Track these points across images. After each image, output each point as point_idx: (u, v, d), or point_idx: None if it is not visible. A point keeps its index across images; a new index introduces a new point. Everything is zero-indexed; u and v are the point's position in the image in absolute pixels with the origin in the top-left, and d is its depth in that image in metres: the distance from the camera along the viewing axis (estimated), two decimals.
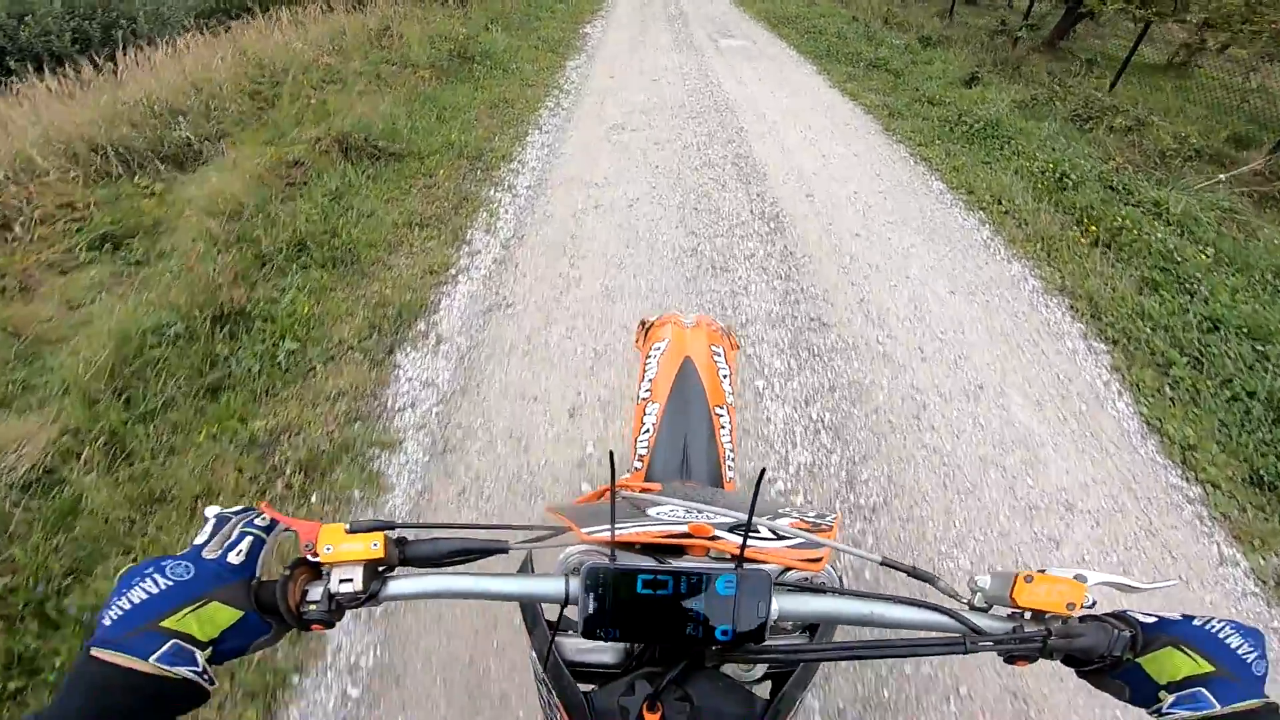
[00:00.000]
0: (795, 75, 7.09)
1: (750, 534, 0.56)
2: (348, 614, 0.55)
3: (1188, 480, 2.26)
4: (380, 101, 4.87)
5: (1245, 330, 2.93)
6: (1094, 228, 3.80)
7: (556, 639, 0.63)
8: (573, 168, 4.21)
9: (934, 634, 0.55)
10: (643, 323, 1.37)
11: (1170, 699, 0.47)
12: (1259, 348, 2.83)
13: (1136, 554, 1.97)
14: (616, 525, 0.56)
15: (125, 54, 6.09)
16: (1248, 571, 1.96)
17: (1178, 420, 2.48)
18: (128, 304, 2.61)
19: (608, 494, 0.57)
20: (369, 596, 0.53)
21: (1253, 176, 4.90)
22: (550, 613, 0.64)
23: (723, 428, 1.09)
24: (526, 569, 0.69)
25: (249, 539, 0.52)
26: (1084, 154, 4.95)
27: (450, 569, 0.58)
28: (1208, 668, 0.47)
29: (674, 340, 1.19)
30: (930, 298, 3.08)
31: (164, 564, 0.48)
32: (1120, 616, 0.52)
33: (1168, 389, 2.65)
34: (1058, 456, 2.29)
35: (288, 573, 0.52)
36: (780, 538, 0.60)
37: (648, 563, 0.57)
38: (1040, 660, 0.52)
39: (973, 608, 0.57)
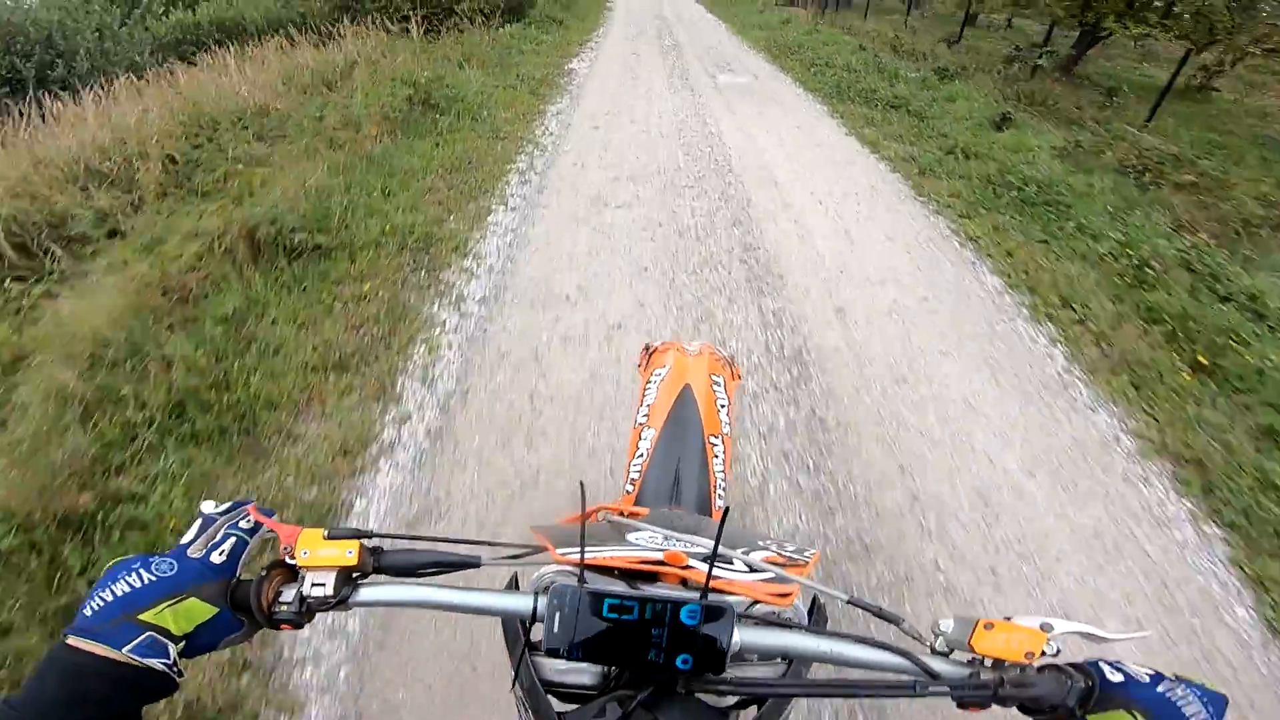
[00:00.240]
0: (805, 119, 6.30)
1: (724, 566, 0.60)
2: (319, 616, 0.57)
3: None
4: (317, 167, 4.07)
5: None
6: (1191, 344, 2.99)
7: (534, 658, 0.62)
8: (539, 266, 3.38)
9: (892, 675, 0.54)
10: (646, 347, 1.38)
11: None
12: None
13: None
14: (593, 548, 0.60)
15: (55, 99, 5.36)
16: None
17: None
18: None
19: (594, 515, 0.74)
20: (338, 601, 0.55)
21: None
22: (532, 630, 0.63)
23: (716, 456, 1.10)
24: (512, 586, 0.67)
25: (232, 540, 0.55)
26: (1155, 226, 4.14)
27: (423, 580, 0.59)
28: None
29: (675, 367, 1.22)
30: (1003, 485, 2.24)
31: (150, 560, 0.50)
32: (1080, 668, 0.50)
33: None
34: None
35: (264, 573, 0.55)
36: (753, 570, 0.61)
37: (617, 587, 0.58)
38: (996, 708, 0.51)
39: (933, 651, 0.56)
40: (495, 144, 5.15)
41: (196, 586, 0.51)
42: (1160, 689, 0.47)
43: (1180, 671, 0.49)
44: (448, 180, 4.34)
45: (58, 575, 1.76)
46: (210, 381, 2.39)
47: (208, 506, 0.58)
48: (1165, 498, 2.26)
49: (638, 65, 8.66)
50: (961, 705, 0.52)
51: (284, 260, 3.22)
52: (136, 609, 0.47)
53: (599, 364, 2.68)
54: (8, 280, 3.03)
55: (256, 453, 2.23)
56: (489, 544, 0.64)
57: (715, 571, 0.55)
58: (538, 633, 0.57)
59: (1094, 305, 3.25)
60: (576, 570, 0.56)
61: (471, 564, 0.62)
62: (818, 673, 0.65)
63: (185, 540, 0.54)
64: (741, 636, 0.54)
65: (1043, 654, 0.51)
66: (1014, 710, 0.51)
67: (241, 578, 0.55)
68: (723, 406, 1.18)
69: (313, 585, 0.54)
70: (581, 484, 0.59)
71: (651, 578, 0.64)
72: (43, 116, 4.98)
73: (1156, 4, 10.00)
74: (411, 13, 11.17)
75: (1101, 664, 0.50)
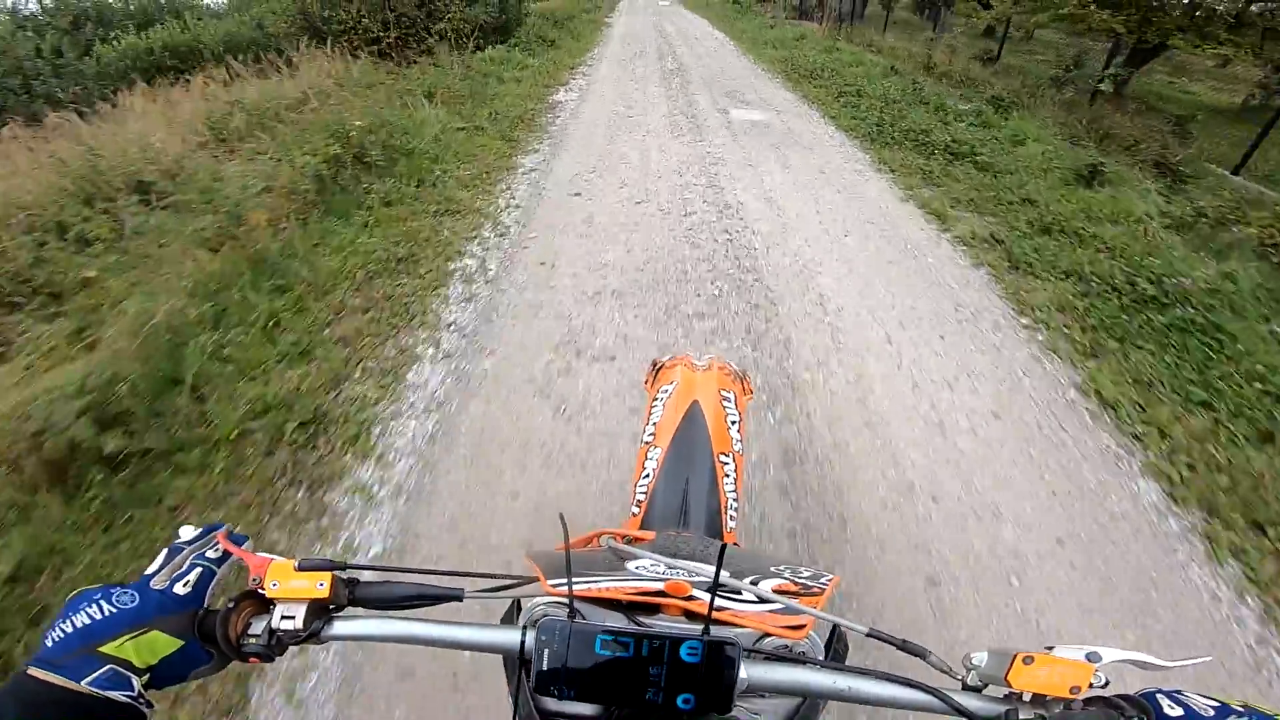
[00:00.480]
0: (846, 176, 5.00)
1: (730, 596, 0.56)
2: (292, 650, 0.55)
3: None
4: (177, 280, 2.83)
5: None
6: None
7: (517, 691, 0.58)
8: (469, 501, 2.06)
9: (917, 714, 0.50)
10: (654, 363, 1.33)
11: None
12: None
13: None
14: (589, 578, 0.57)
15: None
16: None
17: None
18: None
19: (595, 540, 0.70)
20: (309, 635, 0.53)
21: None
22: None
23: (726, 476, 1.05)
24: (512, 614, 0.66)
25: (199, 570, 0.53)
26: None
27: (402, 614, 0.56)
28: None
29: (683, 383, 1.17)
30: None
31: (111, 592, 0.49)
32: (1134, 701, 0.45)
33: None
34: None
35: (231, 604, 0.52)
36: (762, 601, 0.56)
37: (612, 621, 0.57)
38: None
39: (965, 687, 0.51)
40: (443, 225, 3.89)
41: (159, 619, 0.49)
42: None
43: (1247, 701, 0.41)
44: (366, 296, 3.08)
45: None
46: None
47: (186, 532, 0.56)
48: None
49: (635, 96, 7.41)
50: None
51: (98, 474, 1.99)
52: (96, 641, 0.46)
53: None
54: None
55: None
56: (475, 575, 0.61)
57: (721, 603, 0.54)
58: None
59: None
60: (568, 609, 0.52)
61: (453, 597, 0.58)
62: (837, 712, 0.67)
63: (149, 571, 0.52)
64: (749, 673, 0.50)
65: (1089, 686, 0.46)
66: None
67: (211, 608, 0.52)
68: (733, 423, 1.13)
69: (282, 618, 0.52)
70: (561, 516, 0.52)
71: (653, 609, 0.60)
72: None
73: (1223, 18, 8.78)
74: (383, 34, 10.02)
75: (1158, 695, 0.44)
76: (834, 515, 2.02)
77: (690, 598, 0.56)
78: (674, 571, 0.60)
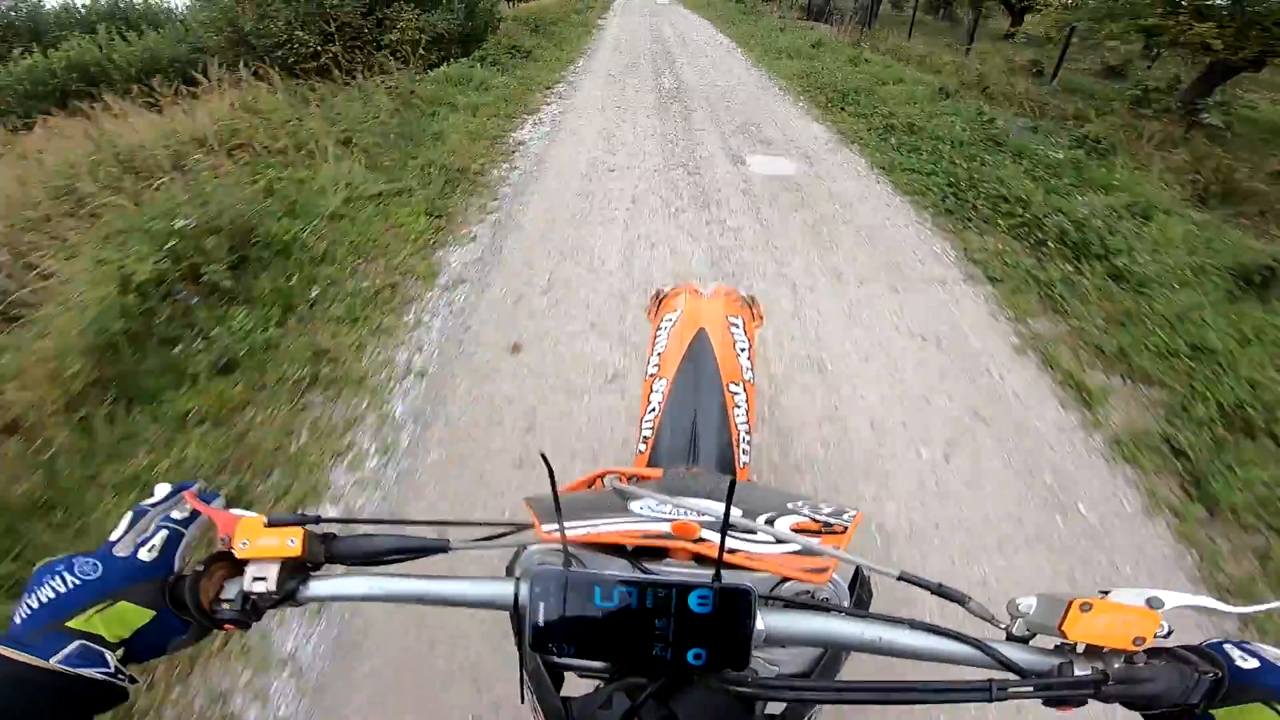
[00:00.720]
0: (928, 291, 3.37)
1: (744, 537, 0.52)
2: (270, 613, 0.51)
3: None
4: None
5: None
6: None
7: (521, 650, 0.53)
8: None
9: (958, 669, 0.45)
10: (657, 293, 1.26)
11: None
12: None
13: None
14: (587, 521, 0.53)
15: None
16: None
17: None
18: None
19: (598, 481, 0.66)
20: (284, 597, 0.49)
21: None
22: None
23: (737, 407, 0.99)
24: (513, 570, 0.55)
25: (164, 533, 0.49)
26: None
27: (384, 570, 0.52)
28: None
29: (687, 311, 1.10)
30: None
31: (74, 561, 0.46)
32: (1202, 653, 0.41)
33: None
34: None
35: (201, 568, 0.48)
36: (780, 542, 0.52)
37: (614, 569, 0.51)
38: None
39: (1010, 637, 0.47)
40: (301, 421, 2.31)
41: (125, 588, 0.45)
42: None
43: None
44: None
45: None
46: None
47: (160, 490, 0.52)
48: None
49: (623, 135, 5.78)
50: (1051, 704, 0.42)
51: None
52: (62, 616, 0.43)
53: None
54: None
55: None
56: (465, 524, 0.56)
57: (735, 545, 0.51)
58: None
59: None
60: (563, 555, 0.48)
61: (439, 548, 0.53)
62: (864, 666, 0.59)
63: (113, 537, 0.48)
64: (767, 623, 0.46)
65: (1153, 638, 0.41)
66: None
67: (183, 573, 0.48)
68: (742, 350, 1.07)
69: (254, 580, 0.48)
70: (544, 455, 0.46)
71: (660, 554, 0.55)
72: None
73: None
74: (322, 49, 8.38)
75: (1227, 646, 0.41)
76: None
77: (700, 540, 0.50)
78: (681, 511, 0.55)
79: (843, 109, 6.54)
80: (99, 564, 0.46)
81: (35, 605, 0.43)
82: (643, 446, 0.98)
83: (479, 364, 2.64)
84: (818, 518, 0.58)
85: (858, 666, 0.54)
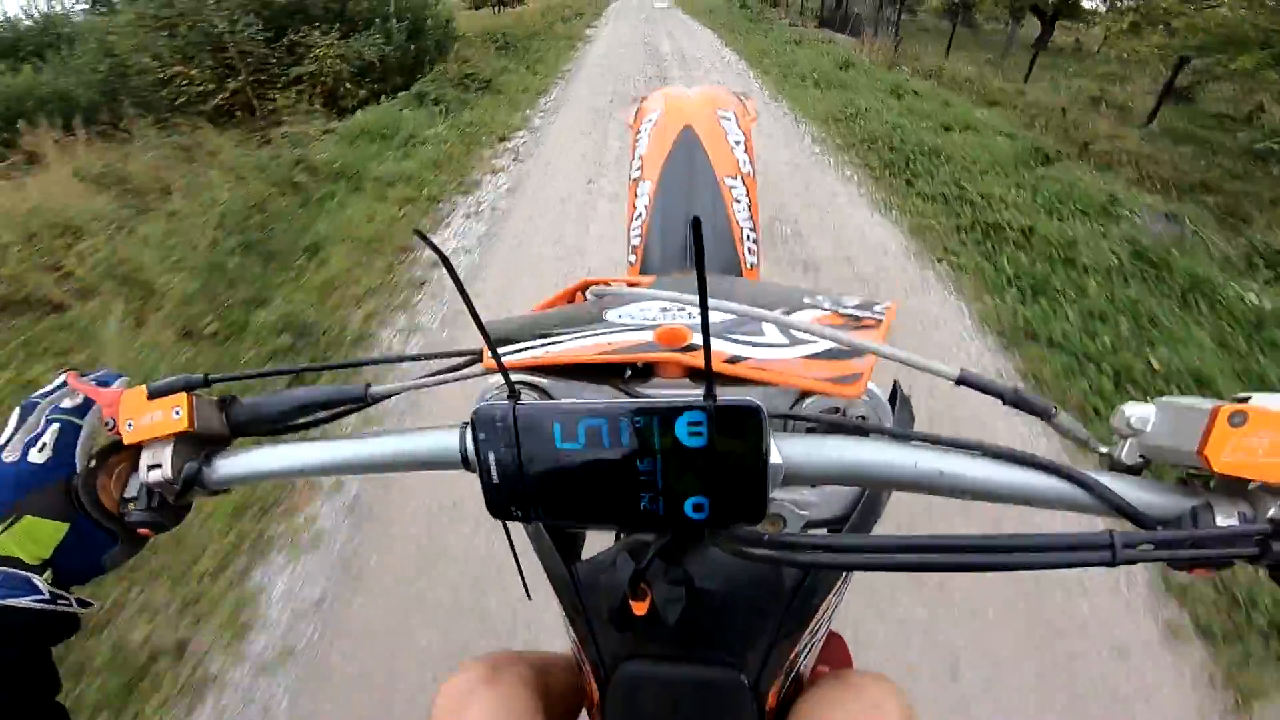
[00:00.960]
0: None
1: (748, 340, 0.38)
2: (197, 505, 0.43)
3: None
4: None
5: None
6: None
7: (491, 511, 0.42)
8: None
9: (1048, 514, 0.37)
10: (639, 100, 1.09)
11: None
12: None
13: None
14: (546, 340, 0.40)
15: None
16: None
17: None
18: None
19: (579, 295, 0.53)
20: (186, 485, 0.39)
21: None
22: None
23: (737, 202, 0.87)
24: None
25: (55, 426, 0.40)
26: None
27: (305, 436, 0.42)
28: None
29: (669, 108, 0.96)
30: None
31: None
32: None
33: None
34: None
35: (93, 463, 0.40)
36: (796, 343, 0.37)
37: (582, 399, 0.34)
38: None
39: (1115, 465, 0.33)
40: None
41: (24, 498, 0.38)
42: None
43: None
44: None
45: None
46: None
47: (56, 381, 0.42)
48: None
49: (599, 225, 3.90)
50: (1182, 566, 0.28)
51: None
52: None
53: None
54: None
55: None
56: (391, 360, 0.47)
57: (739, 351, 0.36)
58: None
59: None
60: (508, 389, 0.34)
61: (355, 398, 0.42)
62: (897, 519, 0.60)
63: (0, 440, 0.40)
64: (786, 454, 0.33)
65: None
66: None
67: (83, 475, 0.40)
68: (737, 143, 0.92)
69: (149, 468, 0.39)
70: (418, 230, 0.29)
71: (647, 373, 0.43)
72: None
73: None
74: (216, 86, 6.49)
75: None
76: None
77: (690, 347, 0.35)
78: (668, 314, 0.43)
79: (909, 183, 4.62)
80: None
81: None
82: (632, 257, 0.88)
83: None
84: (843, 311, 0.43)
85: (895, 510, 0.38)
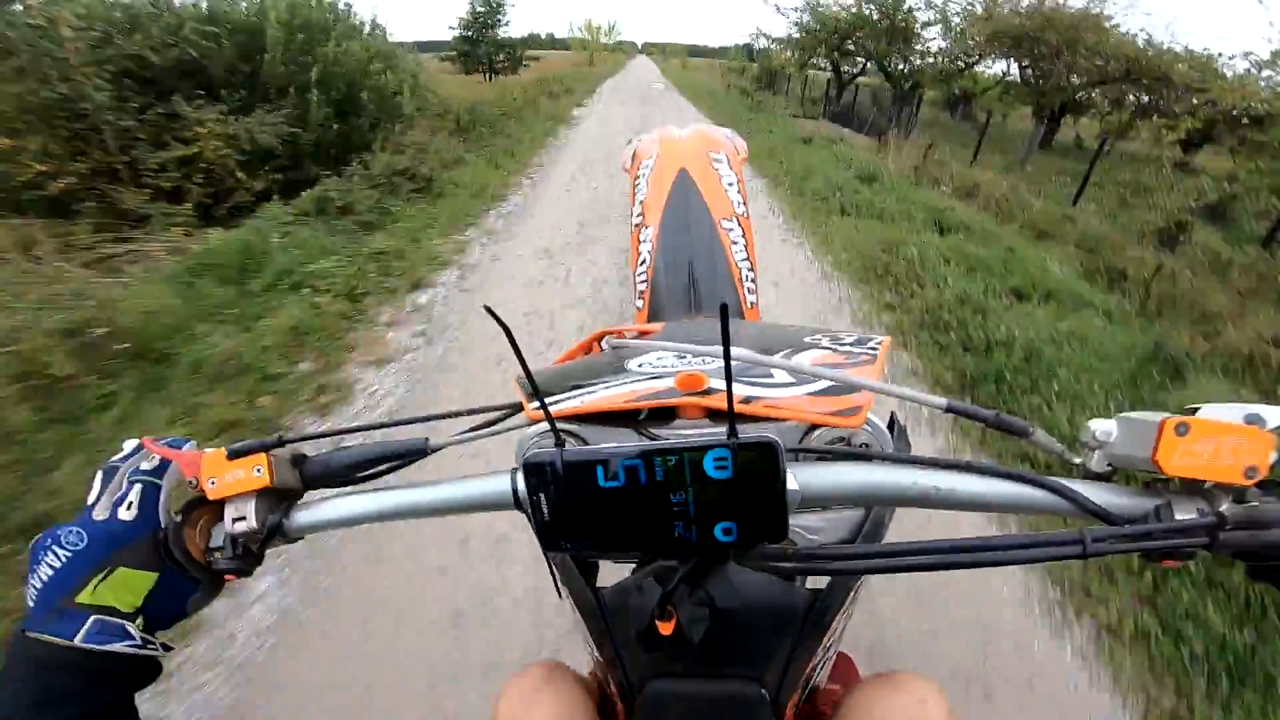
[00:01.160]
0: None
1: (757, 381, 0.46)
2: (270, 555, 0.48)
3: None
4: None
5: None
6: None
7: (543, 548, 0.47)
8: None
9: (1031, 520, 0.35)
10: (631, 144, 1.18)
11: None
12: None
13: None
14: (579, 391, 0.48)
15: None
16: None
17: None
18: None
19: (595, 345, 0.61)
20: (270, 534, 0.45)
21: None
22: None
23: (734, 244, 0.93)
24: (519, 454, 0.49)
25: (139, 487, 0.45)
26: None
27: (371, 486, 0.48)
28: None
29: (664, 153, 1.03)
30: None
31: (58, 533, 0.43)
32: None
33: None
34: None
35: (179, 518, 0.45)
36: (800, 382, 0.45)
37: (615, 443, 0.39)
38: None
39: (1087, 474, 0.39)
40: None
41: (117, 553, 0.42)
42: None
43: None
44: None
45: None
46: None
47: (128, 445, 0.47)
48: None
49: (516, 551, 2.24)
50: (1149, 558, 0.35)
51: None
52: (68, 592, 0.41)
53: None
54: None
55: None
56: (442, 417, 0.50)
57: (751, 391, 0.44)
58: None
59: None
60: (553, 435, 0.40)
61: (416, 451, 0.47)
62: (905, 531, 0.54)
63: (89, 501, 0.45)
64: (801, 480, 0.40)
65: (1267, 468, 0.33)
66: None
67: (167, 529, 0.45)
68: (730, 185, 1.00)
69: (234, 520, 0.45)
70: (488, 308, 0.36)
71: (669, 415, 0.48)
72: None
73: None
74: (49, 171, 4.83)
75: None
76: None
77: (709, 391, 0.43)
78: (684, 361, 0.51)
79: (1009, 434, 3.04)
80: (82, 531, 0.43)
81: (39, 585, 0.41)
82: (640, 303, 0.93)
83: None
84: (840, 348, 0.52)
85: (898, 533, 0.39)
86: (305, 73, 5.51)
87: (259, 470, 0.43)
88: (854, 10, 17.14)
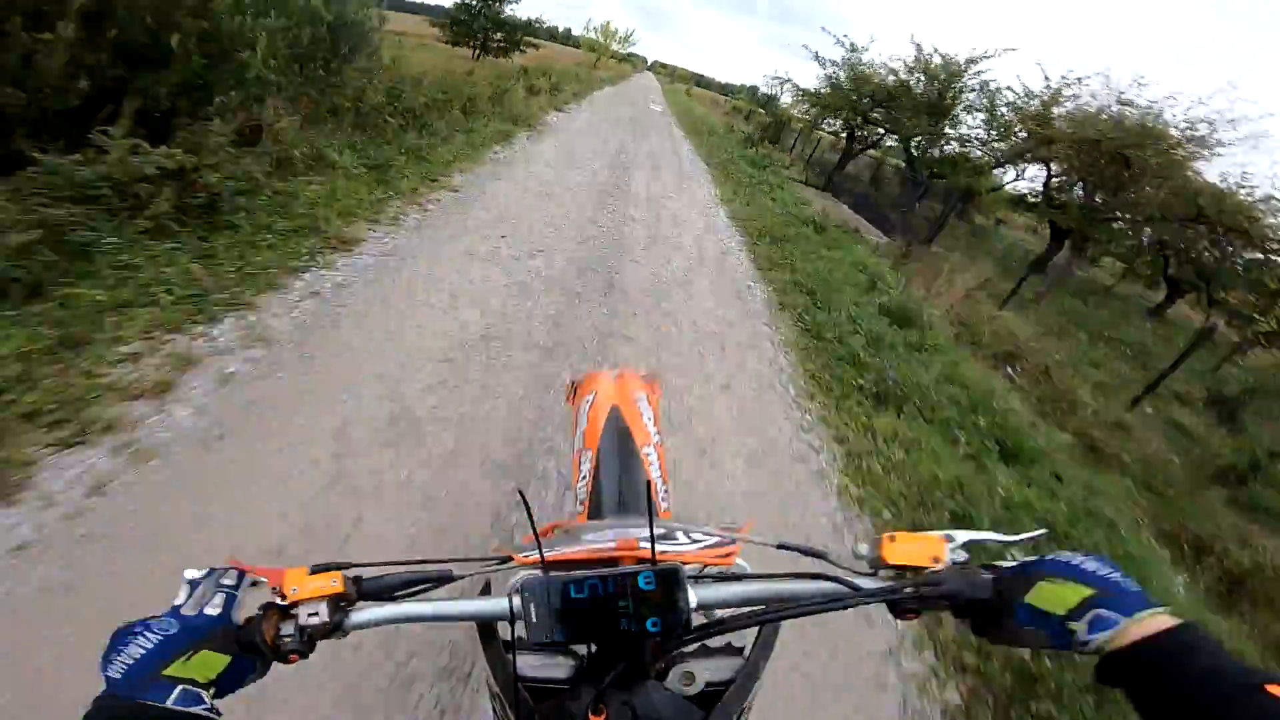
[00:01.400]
0: None
1: (670, 542, 0.75)
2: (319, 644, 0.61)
3: None
4: None
5: None
6: None
7: (510, 656, 0.66)
8: None
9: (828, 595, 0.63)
10: (571, 382, 1.51)
11: (1082, 627, 0.50)
12: None
13: None
14: (553, 549, 0.73)
15: None
16: None
17: None
18: None
19: (551, 532, 0.91)
20: (334, 627, 0.59)
21: None
22: (505, 632, 0.68)
23: (652, 464, 1.21)
24: (485, 592, 0.76)
25: (222, 594, 0.59)
26: None
27: (407, 599, 0.65)
28: (1088, 591, 0.51)
29: (601, 393, 1.34)
30: None
31: (150, 623, 0.54)
32: (985, 566, 0.59)
33: None
34: None
35: (260, 614, 0.58)
36: (695, 542, 0.77)
37: (580, 571, 0.61)
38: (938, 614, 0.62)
39: (861, 573, 0.64)
40: None
41: (203, 639, 0.54)
42: (1057, 557, 0.55)
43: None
44: None
45: None
46: None
47: (190, 573, 0.61)
48: None
49: None
50: (896, 613, 0.60)
51: None
52: (159, 666, 0.51)
53: None
54: None
55: None
56: (458, 560, 0.69)
57: (663, 548, 0.71)
58: (511, 633, 0.61)
59: None
60: (541, 568, 0.61)
61: (446, 578, 0.66)
62: (784, 632, 0.75)
63: (177, 603, 0.58)
64: (698, 594, 0.59)
65: (950, 561, 0.60)
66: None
67: (240, 624, 0.58)
68: (649, 421, 1.30)
69: (309, 616, 0.58)
70: (520, 491, 0.59)
71: (612, 565, 0.70)
72: None
73: None
74: None
75: (999, 563, 0.59)
76: None
77: (638, 548, 0.71)
78: (624, 534, 0.77)
79: None
80: (175, 622, 0.55)
81: (130, 661, 0.50)
82: (580, 508, 1.17)
83: None
84: (720, 527, 0.82)
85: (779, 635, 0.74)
86: None
87: (334, 582, 0.60)
88: (900, 76, 15.29)
